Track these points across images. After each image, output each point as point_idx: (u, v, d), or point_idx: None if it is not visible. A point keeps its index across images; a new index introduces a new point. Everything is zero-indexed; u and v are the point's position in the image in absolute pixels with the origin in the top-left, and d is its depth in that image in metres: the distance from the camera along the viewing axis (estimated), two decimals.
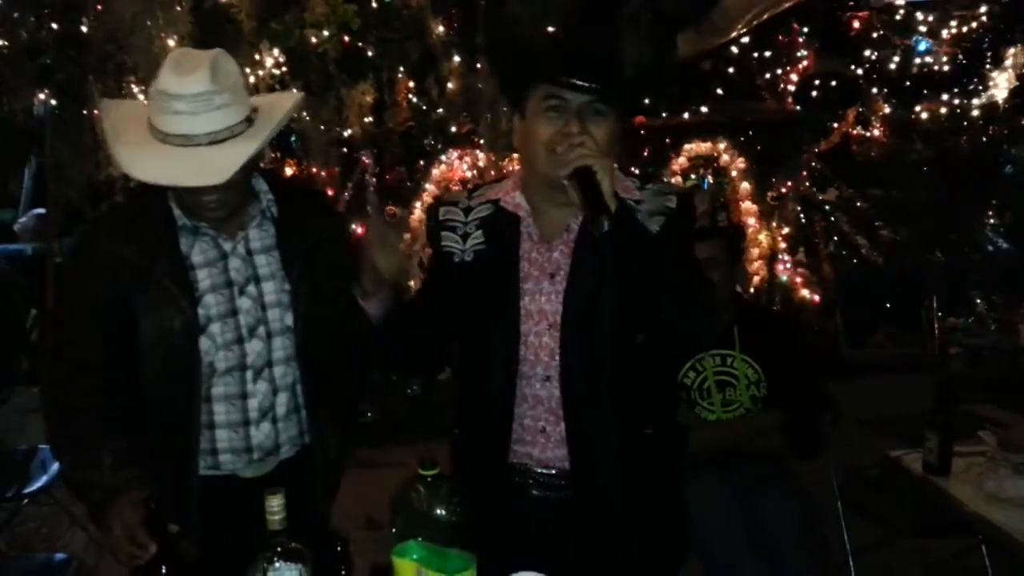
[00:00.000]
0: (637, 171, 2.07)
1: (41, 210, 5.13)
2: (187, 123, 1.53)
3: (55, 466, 3.08)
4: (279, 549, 1.27)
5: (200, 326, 1.63)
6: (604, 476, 1.54)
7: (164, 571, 1.35)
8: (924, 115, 5.98)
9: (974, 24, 5.60)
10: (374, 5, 3.96)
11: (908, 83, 5.84)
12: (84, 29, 3.34)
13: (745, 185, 5.39)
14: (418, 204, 4.74)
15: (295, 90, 4.23)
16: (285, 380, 1.72)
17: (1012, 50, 5.67)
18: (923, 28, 5.63)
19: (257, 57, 3.76)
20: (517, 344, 1.53)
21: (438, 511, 1.35)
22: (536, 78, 1.47)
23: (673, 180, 5.58)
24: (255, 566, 1.26)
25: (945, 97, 5.94)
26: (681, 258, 1.53)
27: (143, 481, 1.54)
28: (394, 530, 1.37)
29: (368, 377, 1.87)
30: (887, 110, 5.95)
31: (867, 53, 5.76)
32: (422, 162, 4.76)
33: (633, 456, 1.55)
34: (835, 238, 6.06)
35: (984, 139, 6.11)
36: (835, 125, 5.86)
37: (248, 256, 1.70)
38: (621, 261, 1.44)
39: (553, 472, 1.55)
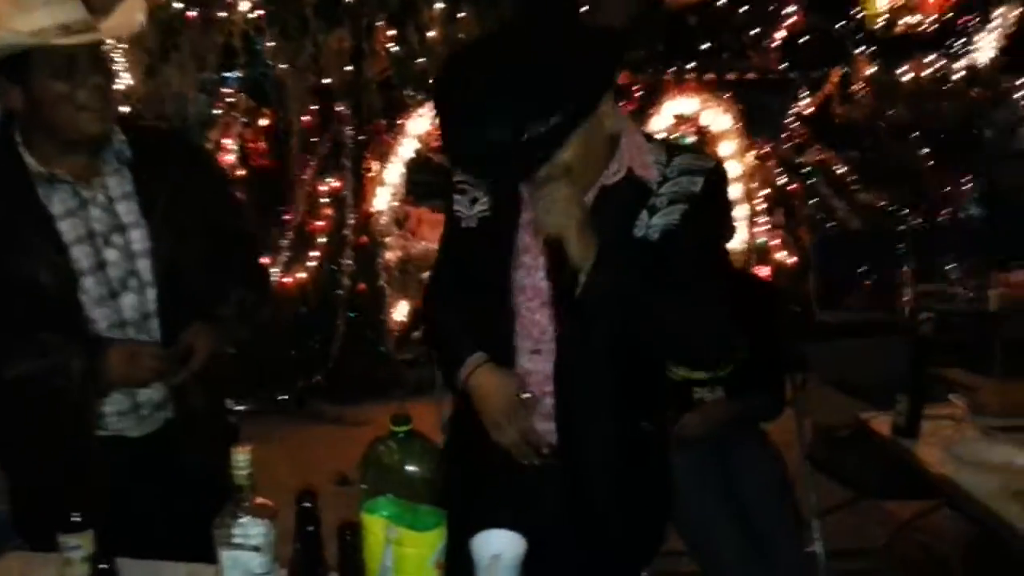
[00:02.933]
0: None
1: None
2: (60, 12, 1.48)
3: None
4: (245, 504, 1.25)
5: (74, 278, 1.57)
6: (591, 458, 1.51)
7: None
8: (907, 77, 5.94)
9: None
10: None
11: (892, 43, 5.78)
12: None
13: (731, 144, 5.34)
14: (395, 158, 4.66)
15: (269, 38, 4.13)
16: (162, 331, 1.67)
17: (1000, 9, 5.63)
18: None
19: (231, 0, 3.65)
20: (512, 317, 1.49)
21: (409, 467, 1.33)
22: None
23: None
24: (221, 521, 1.24)
25: (929, 59, 5.89)
26: (700, 252, 1.40)
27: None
28: (364, 486, 1.36)
29: (248, 326, 1.81)
30: (870, 71, 5.90)
31: (853, 11, 5.70)
32: (401, 115, 4.66)
33: (623, 445, 1.52)
34: (812, 200, 6.05)
35: (966, 103, 6.09)
36: (820, 85, 5.81)
37: (109, 204, 1.63)
38: (607, 259, 1.33)
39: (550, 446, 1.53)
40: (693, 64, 5.48)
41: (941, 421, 2.29)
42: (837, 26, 5.69)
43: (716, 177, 1.43)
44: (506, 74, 1.25)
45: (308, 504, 1.23)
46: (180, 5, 3.47)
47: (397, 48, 4.52)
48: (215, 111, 4.28)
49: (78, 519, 1.30)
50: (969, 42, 5.85)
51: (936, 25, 5.78)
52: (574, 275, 1.33)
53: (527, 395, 1.48)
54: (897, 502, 3.05)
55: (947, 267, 5.01)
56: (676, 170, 1.40)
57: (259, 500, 1.26)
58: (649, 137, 1.47)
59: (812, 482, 2.83)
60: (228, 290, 1.77)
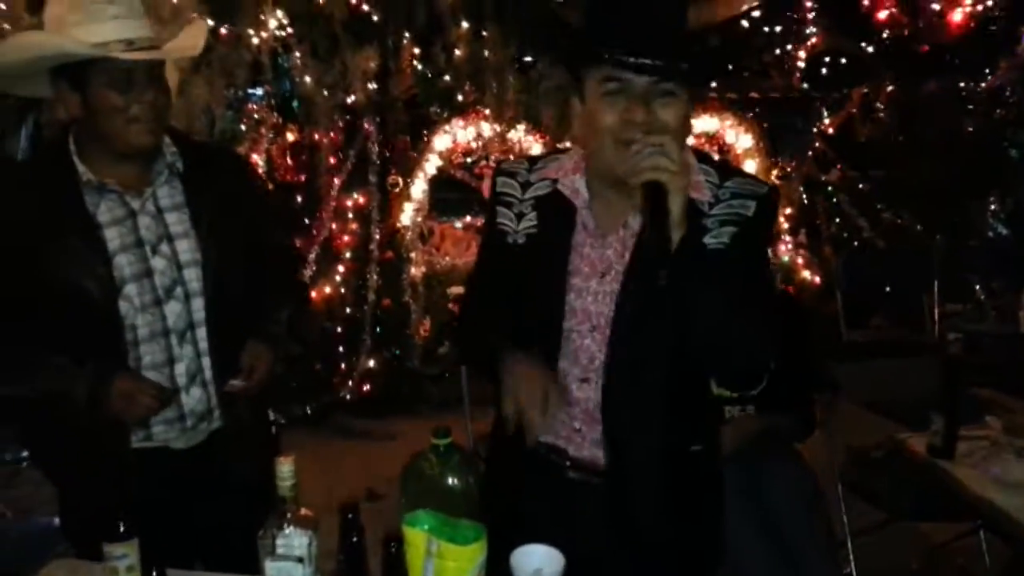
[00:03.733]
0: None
1: None
2: (126, 27, 1.53)
3: None
4: (288, 516, 1.25)
5: (113, 287, 1.59)
6: (639, 484, 1.47)
7: None
8: (930, 96, 5.92)
9: (989, 3, 5.53)
10: None
11: (916, 63, 5.77)
12: None
13: (753, 163, 5.34)
14: (420, 174, 4.69)
15: (298, 53, 4.17)
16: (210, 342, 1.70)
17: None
18: (935, 7, 5.56)
19: (262, 17, 3.70)
20: (559, 341, 1.44)
21: (450, 480, 1.33)
22: (590, 59, 1.31)
23: None
24: (265, 532, 1.24)
25: (952, 79, 5.87)
26: (750, 276, 1.36)
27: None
28: (404, 499, 1.35)
29: (294, 342, 1.84)
30: (892, 90, 5.89)
31: (876, 31, 5.69)
32: (426, 131, 4.70)
33: (673, 469, 1.48)
34: (837, 219, 6.02)
35: (990, 122, 6.06)
36: (843, 104, 5.80)
37: (158, 214, 1.66)
38: (674, 288, 1.28)
39: (585, 455, 1.50)
40: (715, 84, 5.49)
41: (977, 442, 2.27)
42: (860, 46, 5.69)
43: (769, 203, 1.41)
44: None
45: (352, 515, 1.23)
46: (211, 22, 3.52)
47: (423, 66, 4.56)
48: (242, 126, 4.33)
49: (123, 528, 1.31)
50: (992, 62, 5.83)
51: (959, 46, 5.77)
52: (665, 234, 1.22)
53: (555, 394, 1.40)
54: (932, 524, 3.00)
55: (976, 287, 4.96)
56: (729, 192, 1.39)
57: (302, 511, 1.26)
58: (700, 157, 1.45)
59: (844, 503, 2.79)
60: (275, 306, 1.80)
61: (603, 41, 1.29)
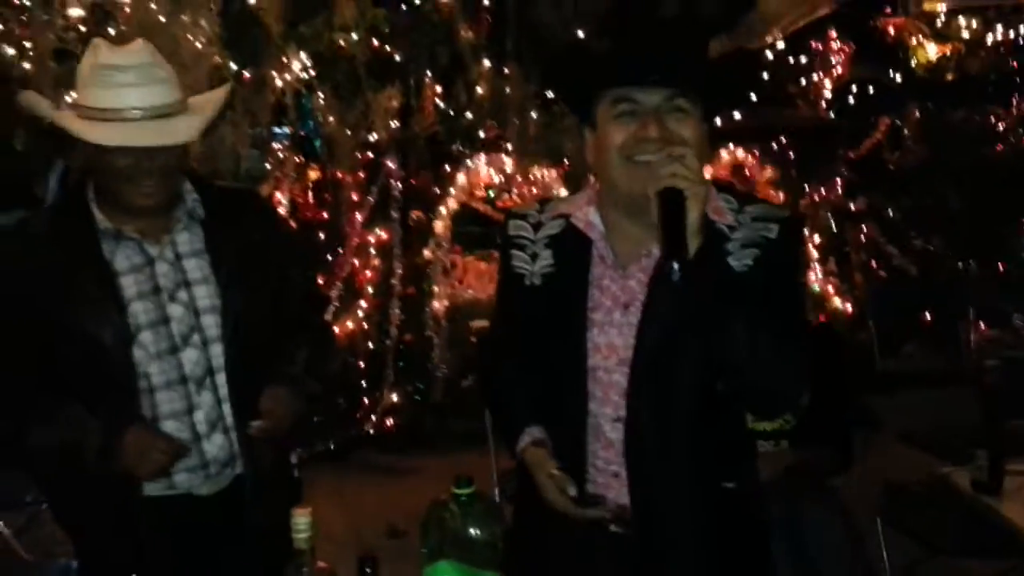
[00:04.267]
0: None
1: None
2: (134, 95, 1.51)
3: None
4: (305, 569, 1.22)
5: (127, 336, 1.57)
6: (671, 529, 1.39)
7: None
8: (959, 123, 5.87)
9: (1021, 28, 5.48)
10: (404, 9, 3.92)
11: (944, 91, 5.72)
12: (112, 31, 3.32)
13: (780, 194, 5.30)
14: (443, 210, 4.70)
15: (320, 94, 4.21)
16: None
17: None
18: (965, 35, 5.52)
19: (284, 60, 3.74)
20: (585, 380, 1.38)
21: (472, 531, 1.29)
22: (600, 82, 1.31)
23: None
24: None
25: (981, 105, 5.82)
26: (777, 300, 1.31)
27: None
28: (424, 549, 1.31)
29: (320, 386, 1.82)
30: (920, 117, 5.85)
31: (903, 60, 5.66)
32: (448, 167, 4.71)
33: (706, 510, 1.41)
34: (867, 247, 5.95)
35: (1018, 148, 5.99)
36: (870, 133, 5.76)
37: (177, 261, 1.65)
38: (696, 307, 1.26)
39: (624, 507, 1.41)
40: (740, 115, 5.47)
41: (1023, 477, 2.18)
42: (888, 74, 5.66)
43: (792, 226, 1.39)
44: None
45: (370, 569, 1.19)
46: (235, 67, 3.57)
47: (444, 104, 4.59)
48: (267, 166, 4.38)
49: None
50: (1021, 88, 5.78)
51: (987, 73, 5.72)
52: (671, 254, 1.19)
53: (557, 473, 1.36)
54: (975, 560, 2.89)
55: (1012, 312, 4.84)
56: (750, 217, 1.37)
57: (319, 563, 1.23)
58: (720, 187, 1.43)
59: (884, 540, 2.70)
60: (294, 347, 1.76)
61: (611, 63, 1.30)
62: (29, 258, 1.60)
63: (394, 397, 4.53)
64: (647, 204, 1.23)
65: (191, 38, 2.94)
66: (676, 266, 1.17)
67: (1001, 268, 5.96)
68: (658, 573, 1.42)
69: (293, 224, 4.30)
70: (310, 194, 4.63)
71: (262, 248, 1.72)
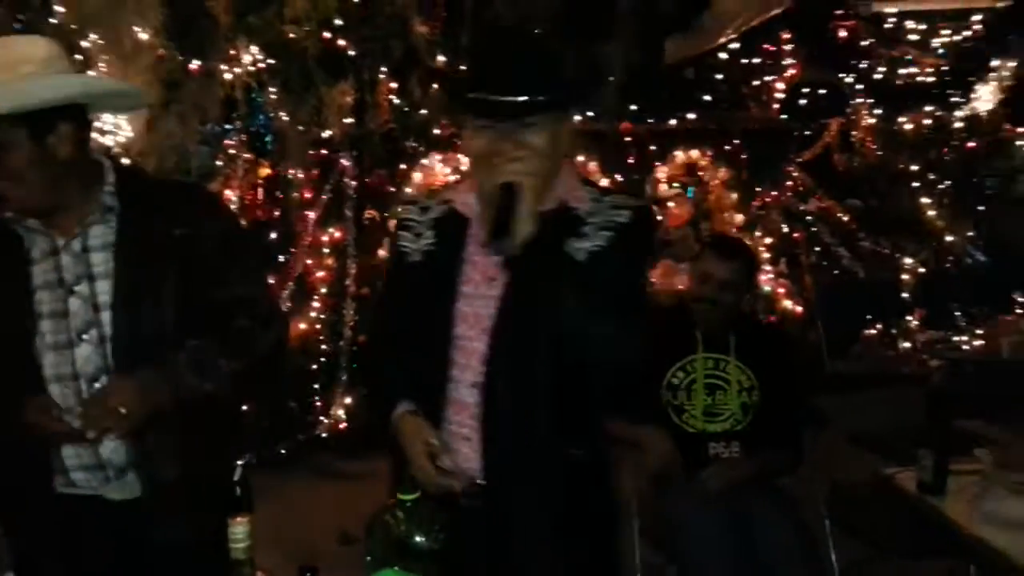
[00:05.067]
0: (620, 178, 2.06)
1: None
2: None
3: None
4: None
5: (29, 323, 1.56)
6: (518, 493, 1.50)
7: None
8: (908, 126, 5.99)
9: (965, 34, 5.61)
10: (357, 2, 3.86)
11: (893, 94, 5.84)
12: (53, 20, 3.21)
13: (732, 195, 5.36)
14: (399, 208, 4.65)
15: (271, 88, 4.13)
16: None
17: (997, 62, 5.69)
18: (913, 37, 5.64)
19: (233, 52, 3.65)
20: (448, 347, 1.52)
21: (417, 538, 1.26)
22: (460, 111, 1.53)
23: (658, 187, 5.56)
24: None
25: (929, 108, 5.95)
26: (623, 277, 1.50)
27: None
28: (369, 557, 1.28)
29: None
30: (871, 121, 5.96)
31: (854, 63, 5.76)
32: (403, 165, 4.66)
33: (554, 477, 1.52)
34: (816, 249, 6.05)
35: (966, 151, 6.14)
36: (820, 135, 5.86)
37: (83, 253, 1.60)
38: (540, 275, 1.43)
39: (475, 482, 1.51)
40: (694, 115, 5.53)
41: (967, 477, 2.21)
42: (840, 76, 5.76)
43: (643, 214, 1.57)
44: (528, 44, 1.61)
45: None
46: (182, 58, 3.47)
47: (399, 100, 4.54)
48: (217, 163, 4.28)
49: None
50: (967, 92, 5.92)
51: (935, 77, 5.85)
52: (508, 229, 1.38)
53: (435, 442, 1.44)
54: (921, 559, 2.94)
55: (956, 314, 4.97)
56: (607, 204, 1.54)
57: (258, 574, 1.18)
58: (584, 180, 1.62)
59: (832, 540, 2.73)
60: (193, 341, 1.63)
61: (470, 82, 1.47)
62: None
63: (348, 400, 4.48)
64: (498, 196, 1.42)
65: (134, 28, 2.85)
66: (497, 244, 1.39)
67: (947, 269, 6.10)
68: (504, 540, 1.50)
69: (244, 222, 4.22)
70: (260, 192, 4.54)
71: (185, 243, 1.63)
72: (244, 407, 1.81)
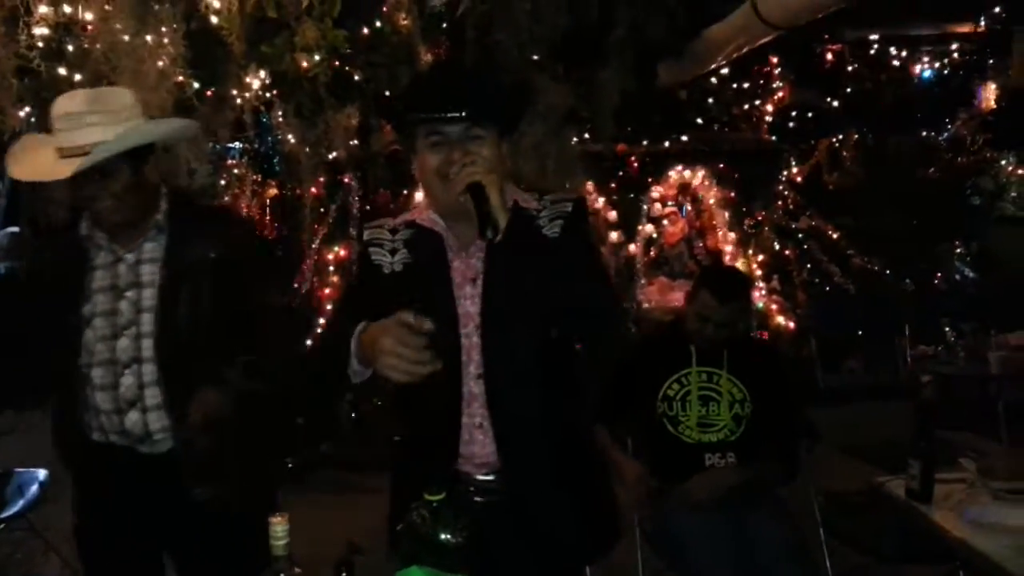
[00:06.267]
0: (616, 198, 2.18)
1: (15, 228, 5.07)
2: (63, 138, 1.84)
3: (32, 490, 3.03)
4: (281, 575, 1.27)
5: (85, 319, 1.93)
6: (530, 467, 1.67)
7: None
8: (895, 147, 6.12)
9: (946, 60, 5.76)
10: (365, 31, 3.98)
11: (879, 116, 5.97)
12: (71, 48, 3.32)
13: (725, 213, 5.48)
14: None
15: (280, 113, 4.23)
16: (155, 376, 1.93)
17: (981, 86, 5.83)
18: (895, 63, 5.78)
19: (247, 80, 3.76)
20: (458, 344, 1.66)
21: (443, 536, 1.35)
22: (413, 120, 1.64)
23: (653, 207, 5.68)
24: None
25: (914, 129, 6.08)
26: (582, 253, 1.70)
27: None
28: (398, 555, 1.37)
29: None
30: (857, 140, 6.09)
31: (840, 86, 5.90)
32: (405, 191, 4.76)
33: (558, 446, 1.70)
34: (808, 266, 6.15)
35: (952, 170, 6.26)
36: (810, 155, 5.98)
37: (136, 264, 1.95)
38: (520, 262, 1.56)
39: (491, 478, 1.68)
40: (687, 137, 5.64)
41: (953, 485, 2.30)
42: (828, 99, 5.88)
43: (582, 202, 1.77)
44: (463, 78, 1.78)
45: (346, 572, 1.25)
46: (198, 85, 3.57)
47: None
48: (222, 181, 4.37)
49: None
50: (952, 115, 6.05)
51: (920, 100, 5.98)
52: (484, 226, 1.51)
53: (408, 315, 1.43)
54: (913, 565, 3.03)
55: (945, 329, 5.06)
56: (549, 201, 1.73)
57: (295, 570, 1.27)
58: (523, 189, 1.79)
59: (826, 548, 2.82)
60: (237, 353, 1.98)
61: (419, 107, 1.63)
62: (44, 260, 2.06)
63: (353, 415, 4.55)
64: (463, 205, 1.54)
65: (153, 58, 2.97)
66: (490, 232, 1.50)
67: (936, 285, 6.19)
68: (529, 524, 1.66)
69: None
70: (268, 211, 4.64)
71: (220, 260, 1.96)
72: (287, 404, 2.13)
